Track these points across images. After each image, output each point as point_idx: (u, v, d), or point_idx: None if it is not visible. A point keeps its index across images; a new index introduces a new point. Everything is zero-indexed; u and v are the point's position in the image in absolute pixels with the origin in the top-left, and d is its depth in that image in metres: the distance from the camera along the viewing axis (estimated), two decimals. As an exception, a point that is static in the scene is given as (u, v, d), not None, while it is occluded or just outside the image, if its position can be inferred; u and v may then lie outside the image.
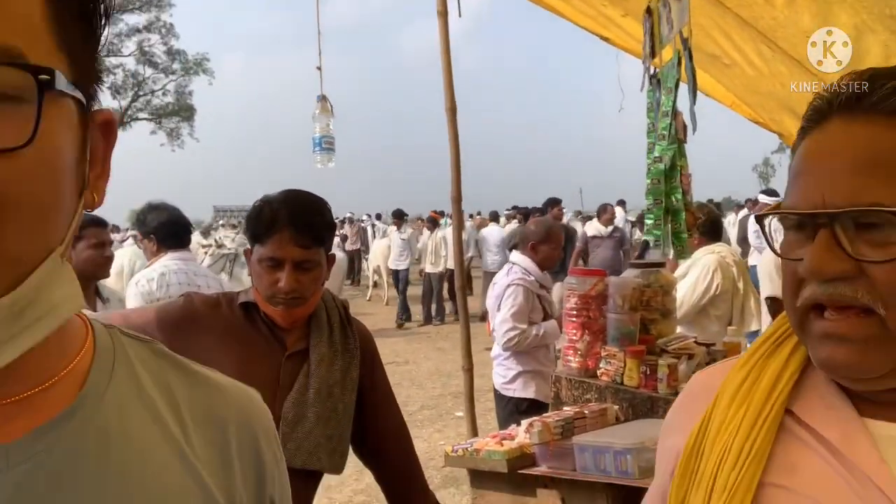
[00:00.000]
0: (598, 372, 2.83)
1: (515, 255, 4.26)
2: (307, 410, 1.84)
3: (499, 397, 4.18)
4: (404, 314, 12.64)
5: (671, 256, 3.32)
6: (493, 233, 13.14)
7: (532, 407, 3.99)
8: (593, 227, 10.36)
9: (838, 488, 0.76)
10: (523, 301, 4.01)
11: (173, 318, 1.90)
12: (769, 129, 4.62)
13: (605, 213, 10.49)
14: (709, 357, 2.93)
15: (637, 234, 13.72)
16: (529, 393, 4.07)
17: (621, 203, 19.24)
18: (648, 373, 2.69)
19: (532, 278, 4.10)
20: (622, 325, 2.83)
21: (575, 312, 2.91)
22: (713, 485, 0.82)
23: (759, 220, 0.85)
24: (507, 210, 19.13)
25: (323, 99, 3.53)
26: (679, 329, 3.21)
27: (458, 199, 3.50)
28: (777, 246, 0.82)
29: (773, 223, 0.83)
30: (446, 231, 13.06)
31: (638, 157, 3.37)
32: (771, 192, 8.41)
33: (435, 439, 6.68)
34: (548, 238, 4.15)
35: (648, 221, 3.17)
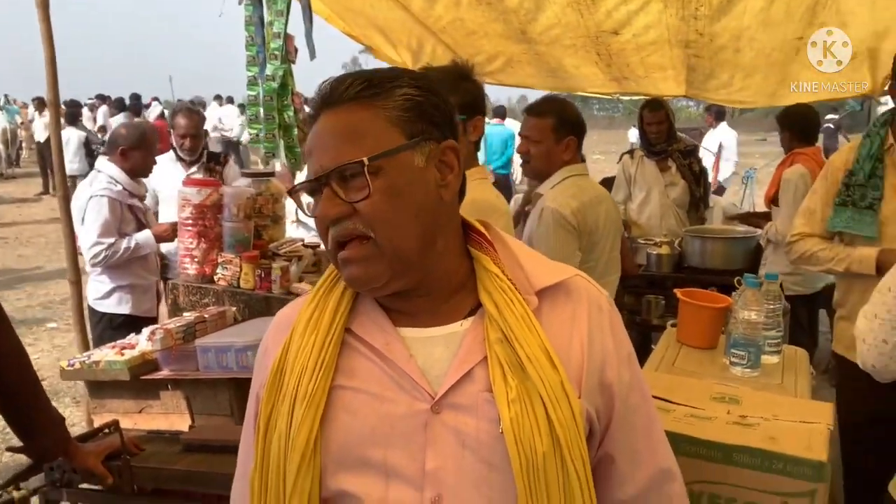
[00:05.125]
0: (216, 277, 2.97)
1: (101, 162, 4.01)
2: None
3: (92, 312, 4.01)
4: None
5: (287, 167, 3.55)
6: (73, 135, 11.87)
7: (126, 322, 3.90)
8: None
9: (384, 381, 1.07)
10: (108, 213, 3.81)
11: None
12: (358, 41, 5.11)
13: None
14: (315, 258, 3.25)
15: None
16: (124, 308, 3.98)
17: (218, 98, 18.74)
18: (263, 275, 2.91)
19: (119, 187, 3.91)
20: (237, 232, 2.99)
21: (191, 221, 2.98)
22: (296, 394, 1.07)
23: (291, 194, 1.14)
24: (90, 99, 17.49)
25: None
26: (289, 233, 3.48)
27: (55, 101, 3.24)
28: (307, 210, 1.11)
29: (304, 196, 1.11)
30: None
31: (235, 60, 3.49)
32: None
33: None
34: (140, 144, 3.95)
35: (252, 132, 3.38)
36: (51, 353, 5.99)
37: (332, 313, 1.11)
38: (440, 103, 1.10)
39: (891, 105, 2.90)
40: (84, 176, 8.01)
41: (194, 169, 4.68)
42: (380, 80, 1.06)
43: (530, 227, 2.90)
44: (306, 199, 1.11)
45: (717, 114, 10.70)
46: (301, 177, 4.05)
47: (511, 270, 1.10)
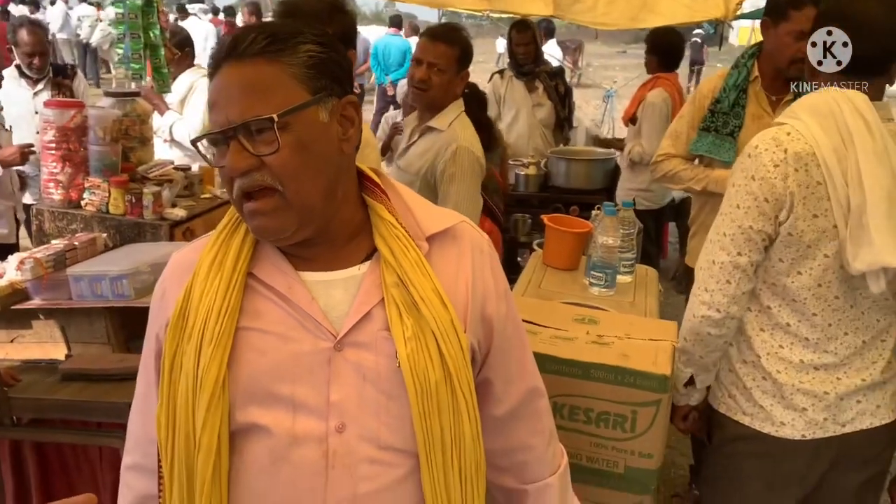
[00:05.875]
0: (83, 203, 2.88)
1: None
2: None
3: None
4: None
5: (154, 88, 3.40)
6: None
7: None
8: None
9: (288, 322, 1.15)
10: None
11: None
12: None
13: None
14: (186, 181, 3.21)
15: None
16: None
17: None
18: (134, 201, 2.85)
19: None
20: (104, 156, 2.90)
21: (54, 145, 2.86)
22: (203, 336, 1.13)
23: (194, 143, 1.15)
24: None
25: None
26: (161, 154, 3.39)
27: None
28: (211, 159, 1.14)
29: (205, 143, 1.14)
30: None
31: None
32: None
33: None
34: None
35: (119, 51, 3.23)
36: None
37: (235, 257, 1.16)
38: (341, 60, 1.15)
39: (739, 28, 3.12)
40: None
41: (41, 86, 4.40)
42: (284, 36, 1.09)
43: (432, 163, 2.78)
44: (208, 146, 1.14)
45: (547, 30, 10.35)
46: (169, 98, 3.90)
47: (403, 217, 1.19)
